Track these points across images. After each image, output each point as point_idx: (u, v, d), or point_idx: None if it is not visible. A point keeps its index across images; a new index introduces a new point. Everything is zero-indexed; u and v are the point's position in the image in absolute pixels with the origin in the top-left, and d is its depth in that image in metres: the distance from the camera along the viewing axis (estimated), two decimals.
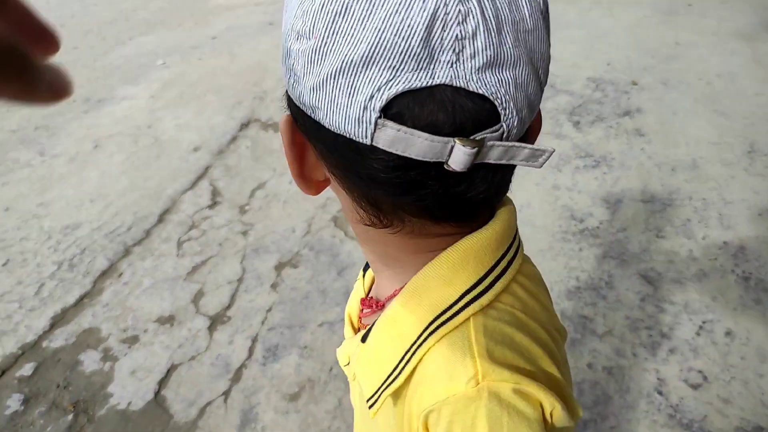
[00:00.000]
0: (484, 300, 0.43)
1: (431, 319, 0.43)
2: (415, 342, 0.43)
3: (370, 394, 0.47)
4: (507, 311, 0.44)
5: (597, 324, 1.83)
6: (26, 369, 1.83)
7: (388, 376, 0.45)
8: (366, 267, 0.64)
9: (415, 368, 0.43)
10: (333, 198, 2.48)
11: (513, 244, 0.47)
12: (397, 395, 0.46)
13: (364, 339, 0.50)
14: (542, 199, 2.38)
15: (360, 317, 0.60)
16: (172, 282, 2.13)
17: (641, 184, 2.43)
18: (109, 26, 5.10)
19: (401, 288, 0.47)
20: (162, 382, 1.77)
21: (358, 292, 0.64)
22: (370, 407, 0.47)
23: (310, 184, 0.45)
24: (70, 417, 1.69)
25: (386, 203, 0.41)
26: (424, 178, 0.37)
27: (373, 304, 0.56)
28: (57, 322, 2.00)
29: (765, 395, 1.60)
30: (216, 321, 1.96)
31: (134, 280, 2.15)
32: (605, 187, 2.44)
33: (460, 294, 0.43)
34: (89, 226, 2.43)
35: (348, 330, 0.62)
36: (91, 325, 1.97)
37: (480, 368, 0.39)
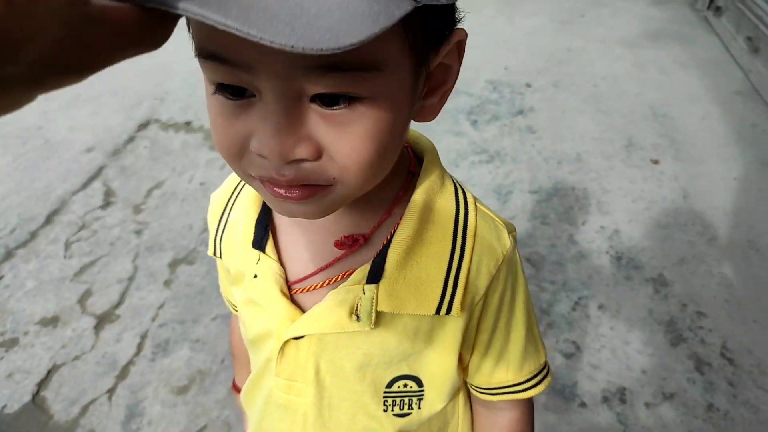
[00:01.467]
0: (469, 191, 0.56)
1: (455, 213, 0.52)
2: (455, 235, 0.52)
3: (437, 304, 0.51)
4: (479, 201, 0.57)
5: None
6: None
7: (449, 273, 0.51)
8: (258, 245, 0.56)
9: (472, 250, 0.52)
10: None
11: None
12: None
13: (375, 278, 0.50)
14: None
15: (291, 286, 0.55)
16: (57, 283, 2.04)
17: (530, 176, 2.57)
18: None
19: (385, 213, 0.52)
20: (42, 384, 1.69)
21: (272, 269, 0.55)
22: (449, 311, 0.51)
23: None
24: None
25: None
26: None
27: (361, 238, 0.51)
28: None
29: (630, 359, 1.73)
30: (103, 320, 1.90)
31: (16, 283, 2.04)
32: (498, 179, 2.56)
33: (454, 190, 0.54)
34: None
35: (287, 309, 0.53)
36: None
37: (505, 224, 0.56)
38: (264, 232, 0.56)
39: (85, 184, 2.54)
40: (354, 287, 0.50)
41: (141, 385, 1.69)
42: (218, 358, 1.77)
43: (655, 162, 2.64)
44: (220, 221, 0.62)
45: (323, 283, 0.52)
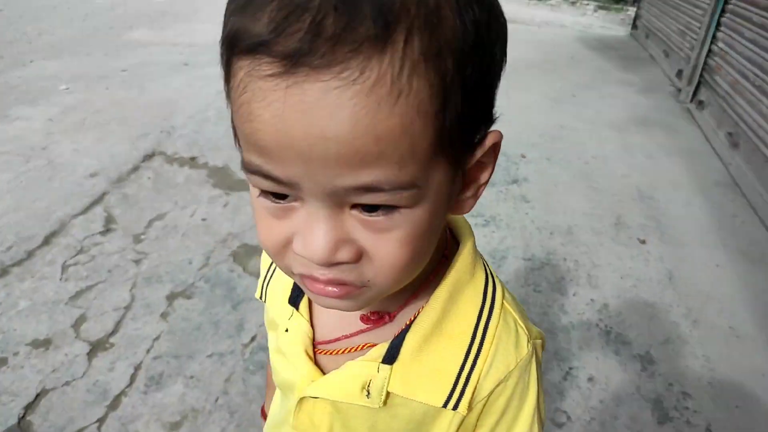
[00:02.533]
0: (501, 289, 0.55)
1: (479, 310, 0.52)
2: (475, 333, 0.52)
3: (446, 397, 0.51)
4: (511, 299, 0.56)
5: None
6: None
7: (461, 371, 0.51)
8: (294, 301, 0.59)
9: (489, 352, 0.51)
10: (234, 233, 2.49)
11: None
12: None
13: (391, 360, 0.51)
14: None
15: (316, 346, 0.57)
16: (52, 305, 2.01)
17: (523, 243, 2.66)
18: (8, 46, 4.89)
19: (413, 295, 0.52)
20: (29, 407, 1.65)
21: (300, 326, 0.58)
22: (456, 407, 0.51)
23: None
24: None
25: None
26: None
27: (386, 317, 0.53)
28: None
29: None
30: (97, 347, 1.88)
31: (9, 301, 2.01)
32: (492, 244, 2.64)
33: (485, 285, 0.54)
34: None
35: (308, 368, 0.56)
36: None
37: (527, 331, 0.54)
38: (300, 291, 0.58)
39: (87, 209, 2.54)
40: (370, 363, 0.52)
41: (132, 417, 1.66)
42: (212, 396, 1.75)
43: (643, 242, 2.76)
44: (269, 268, 0.65)
45: (345, 350, 0.54)
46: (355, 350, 0.54)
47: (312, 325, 0.57)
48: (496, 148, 0.44)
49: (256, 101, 0.35)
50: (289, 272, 0.45)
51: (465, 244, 0.54)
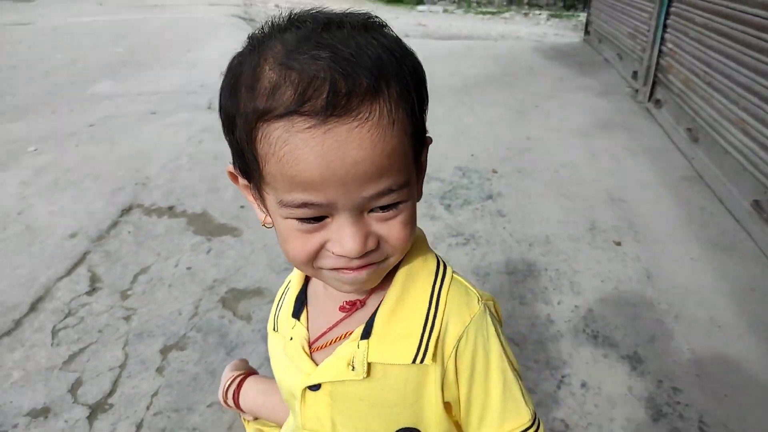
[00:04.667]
0: (450, 268, 0.68)
1: (432, 282, 0.65)
2: (431, 300, 0.64)
3: (413, 354, 0.62)
4: (461, 276, 0.69)
5: None
6: None
7: (423, 332, 0.63)
8: (296, 314, 0.72)
9: (444, 312, 0.64)
10: (221, 279, 2.51)
11: None
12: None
13: (367, 335, 0.64)
14: None
15: (311, 345, 0.69)
16: (46, 372, 2.01)
17: (504, 258, 2.73)
18: None
19: (380, 286, 0.65)
20: None
21: (299, 332, 0.70)
22: (422, 361, 0.62)
23: None
24: None
25: None
26: None
27: (358, 303, 0.66)
28: None
29: None
30: (96, 410, 1.87)
31: (1, 373, 2.00)
32: (475, 261, 2.70)
33: (436, 266, 0.67)
34: None
35: (306, 363, 0.68)
36: None
37: (477, 293, 0.67)
38: (300, 305, 0.73)
39: (70, 270, 2.54)
40: (352, 343, 0.64)
41: None
42: None
43: (618, 243, 2.86)
44: (278, 303, 0.78)
45: (332, 341, 0.67)
46: (341, 338, 0.66)
47: (308, 331, 0.70)
48: (428, 146, 0.62)
49: (299, 149, 0.48)
50: (317, 271, 0.60)
51: (415, 242, 0.66)
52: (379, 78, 0.49)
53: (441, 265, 0.68)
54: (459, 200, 3.27)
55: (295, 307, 0.73)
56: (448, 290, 0.65)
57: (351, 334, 0.65)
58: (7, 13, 10.59)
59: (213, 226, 2.93)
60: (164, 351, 2.12)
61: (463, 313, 0.64)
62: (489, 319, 0.65)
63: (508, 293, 2.49)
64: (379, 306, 0.64)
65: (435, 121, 4.49)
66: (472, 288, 0.67)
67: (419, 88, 0.55)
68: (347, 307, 0.66)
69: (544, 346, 2.19)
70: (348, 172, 0.49)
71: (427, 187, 3.36)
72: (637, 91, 5.25)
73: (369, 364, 0.62)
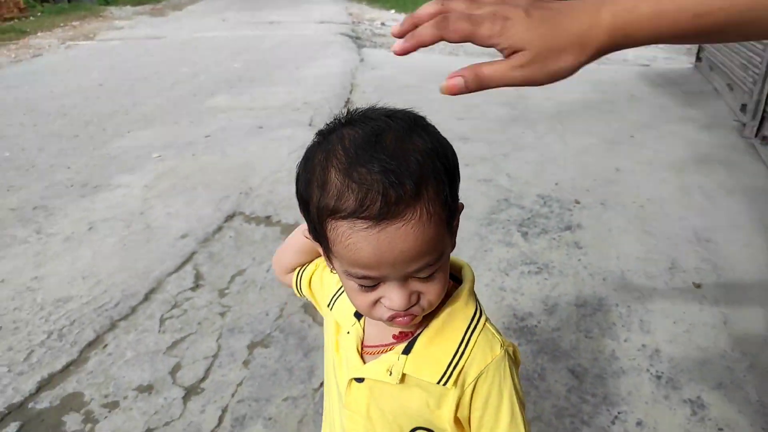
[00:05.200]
0: (484, 315, 0.83)
1: (467, 325, 0.81)
2: (463, 338, 0.80)
3: (439, 377, 0.78)
4: (491, 324, 0.84)
5: (528, 410, 2.09)
6: (11, 427, 2.00)
7: (452, 360, 0.79)
8: (358, 314, 0.88)
9: (471, 350, 0.79)
10: None
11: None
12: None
13: (407, 351, 0.80)
14: (489, 299, 2.70)
15: (364, 348, 0.86)
16: (152, 355, 2.34)
17: (576, 290, 2.78)
18: (109, 118, 5.53)
19: (423, 321, 0.81)
20: None
21: (357, 331, 0.87)
22: (445, 383, 0.78)
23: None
24: None
25: None
26: None
27: (409, 335, 0.82)
28: (43, 386, 2.19)
29: None
30: (191, 392, 2.17)
31: (118, 352, 2.36)
32: (545, 291, 2.78)
33: (474, 310, 0.83)
34: (79, 300, 2.66)
35: (355, 359, 0.85)
36: (75, 390, 2.16)
37: (501, 340, 0.82)
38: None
39: (179, 267, 2.91)
40: (394, 355, 0.81)
41: None
42: None
43: (698, 286, 2.81)
44: (338, 289, 0.94)
45: (379, 352, 0.84)
46: (386, 351, 0.84)
47: (364, 332, 0.88)
48: (461, 210, 0.76)
49: (360, 242, 0.65)
50: (378, 317, 0.76)
51: (464, 286, 0.84)
52: (420, 184, 0.63)
53: (477, 313, 0.83)
54: (537, 229, 3.34)
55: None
56: (479, 335, 0.80)
57: (395, 347, 0.82)
58: (144, 27, 11.82)
59: None
60: (251, 346, 2.40)
61: (487, 354, 0.79)
62: (507, 363, 0.80)
63: (574, 325, 2.54)
64: (421, 332, 0.81)
65: (522, 147, 4.57)
66: (498, 335, 0.82)
67: (452, 175, 0.70)
68: (399, 336, 0.83)
69: (603, 381, 2.24)
70: (396, 258, 0.66)
71: (506, 213, 3.47)
72: (744, 125, 5.01)
73: (404, 375, 0.79)
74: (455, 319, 0.81)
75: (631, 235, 3.27)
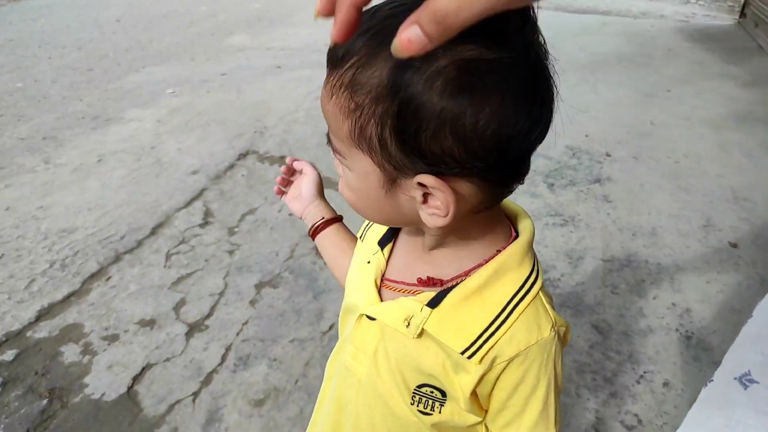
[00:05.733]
0: (540, 279, 0.65)
1: (515, 291, 0.63)
2: (506, 307, 0.63)
3: (465, 347, 0.62)
4: (545, 293, 0.67)
5: None
6: (8, 355, 1.94)
7: (484, 332, 0.62)
8: (382, 242, 0.75)
9: (512, 325, 0.62)
10: None
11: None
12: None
13: (433, 304, 0.64)
14: None
15: (384, 281, 0.72)
16: (156, 289, 2.26)
17: (603, 244, 2.62)
18: (125, 53, 5.37)
19: (472, 268, 0.64)
20: (136, 378, 1.88)
21: (378, 260, 0.73)
22: (471, 357, 0.62)
23: (453, 220, 0.56)
24: (44, 402, 1.78)
25: (498, 189, 0.58)
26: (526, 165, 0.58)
27: (438, 282, 0.66)
28: (43, 315, 2.12)
29: None
30: (194, 329, 2.09)
31: (121, 285, 2.28)
32: (570, 244, 2.62)
33: (527, 275, 0.64)
34: (84, 231, 2.58)
35: (371, 293, 0.71)
36: (75, 321, 2.09)
37: (554, 318, 0.64)
38: (389, 238, 0.75)
39: (188, 203, 2.80)
40: (417, 303, 0.65)
41: (222, 393, 1.85)
42: (293, 378, 1.90)
43: (734, 245, 2.64)
44: (368, 222, 0.82)
45: (402, 290, 0.69)
46: (410, 292, 0.68)
47: (387, 264, 0.73)
48: (425, 188, 0.54)
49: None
50: None
51: (519, 240, 0.65)
52: (347, 57, 0.50)
53: (533, 276, 0.65)
54: (564, 180, 3.16)
55: (384, 236, 0.75)
56: (528, 305, 0.63)
57: (419, 293, 0.66)
58: None
59: None
60: (258, 286, 2.30)
61: (532, 333, 0.63)
62: (554, 348, 0.64)
63: (600, 280, 2.40)
64: (457, 284, 0.64)
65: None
66: (551, 310, 0.65)
67: (392, 99, 0.49)
68: (427, 282, 0.67)
69: (629, 339, 2.11)
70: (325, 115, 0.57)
71: (532, 164, 3.28)
72: None
73: (423, 330, 0.64)
74: (502, 279, 0.63)
75: (664, 191, 3.08)
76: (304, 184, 0.98)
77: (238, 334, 2.07)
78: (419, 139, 0.49)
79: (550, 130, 0.60)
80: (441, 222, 0.56)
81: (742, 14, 7.34)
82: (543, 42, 0.52)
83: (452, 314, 0.63)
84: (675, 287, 2.37)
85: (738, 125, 3.98)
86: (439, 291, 0.64)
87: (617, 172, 3.26)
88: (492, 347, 0.62)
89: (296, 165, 1.01)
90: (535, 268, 0.66)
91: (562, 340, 0.67)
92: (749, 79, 5.03)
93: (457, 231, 0.64)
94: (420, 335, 0.65)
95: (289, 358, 1.98)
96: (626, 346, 2.08)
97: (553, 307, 0.66)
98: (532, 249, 0.67)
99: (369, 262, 0.74)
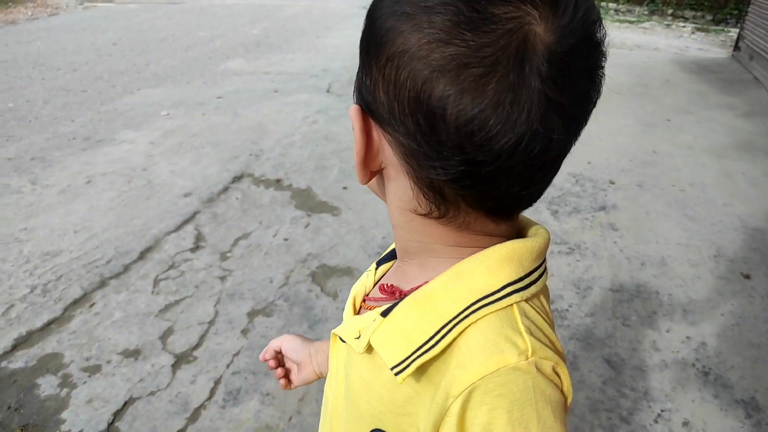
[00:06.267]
0: (526, 293, 0.48)
1: (473, 300, 0.47)
2: (454, 318, 0.46)
3: (398, 362, 0.48)
4: (539, 308, 0.49)
5: None
6: None
7: (421, 346, 0.47)
8: (380, 262, 0.66)
9: (453, 341, 0.46)
10: (314, 254, 2.53)
11: (545, 263, 0.51)
12: (424, 369, 0.48)
13: (385, 314, 0.52)
14: None
15: (365, 300, 0.63)
16: (143, 317, 2.12)
17: (611, 273, 2.52)
18: (120, 76, 5.31)
19: (426, 282, 0.51)
20: (117, 414, 1.74)
21: (367, 279, 0.65)
22: (398, 373, 0.48)
23: (366, 172, 0.50)
24: None
25: (450, 193, 0.45)
26: (497, 174, 0.42)
27: (397, 292, 0.56)
28: (20, 344, 1.98)
29: None
30: (181, 359, 1.95)
31: (105, 312, 2.14)
32: (577, 273, 2.52)
33: (504, 284, 0.47)
34: (69, 255, 2.45)
35: (349, 311, 0.63)
36: (55, 350, 1.95)
37: (530, 344, 0.44)
38: (387, 258, 0.67)
39: (179, 227, 2.68)
40: (373, 314, 0.54)
41: (210, 431, 1.71)
42: (286, 415, 1.77)
43: (746, 276, 2.54)
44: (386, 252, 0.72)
45: (371, 307, 0.59)
46: (374, 308, 0.57)
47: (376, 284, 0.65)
48: (356, 117, 0.48)
49: None
50: None
51: (503, 244, 0.49)
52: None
53: (511, 287, 0.47)
54: (568, 207, 3.07)
55: (384, 257, 0.66)
56: (484, 316, 0.46)
57: (383, 304, 0.56)
58: None
59: (314, 202, 2.97)
60: (251, 314, 2.17)
61: (490, 357, 0.44)
62: (533, 388, 0.43)
63: (610, 311, 2.29)
64: (415, 289, 0.52)
65: None
66: (526, 335, 0.45)
67: (370, 52, 0.46)
68: (387, 290, 0.57)
69: (644, 374, 1.99)
70: None
71: None
72: None
73: (369, 344, 0.52)
74: (463, 284, 0.48)
75: (671, 220, 3.00)
76: (290, 353, 0.87)
77: (228, 366, 1.93)
78: (369, 59, 0.46)
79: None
80: (357, 162, 0.50)
81: (737, 47, 7.40)
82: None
83: (398, 323, 0.50)
84: (688, 320, 2.27)
85: (740, 154, 3.93)
86: (396, 301, 0.52)
87: (622, 200, 3.18)
88: (424, 364, 0.47)
89: (268, 355, 0.89)
90: (524, 280, 0.48)
91: (554, 380, 0.45)
92: (748, 110, 5.02)
93: (423, 237, 0.51)
94: (369, 350, 0.53)
95: (283, 393, 1.84)
96: (641, 382, 1.96)
97: (533, 335, 0.45)
98: (532, 260, 0.49)
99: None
